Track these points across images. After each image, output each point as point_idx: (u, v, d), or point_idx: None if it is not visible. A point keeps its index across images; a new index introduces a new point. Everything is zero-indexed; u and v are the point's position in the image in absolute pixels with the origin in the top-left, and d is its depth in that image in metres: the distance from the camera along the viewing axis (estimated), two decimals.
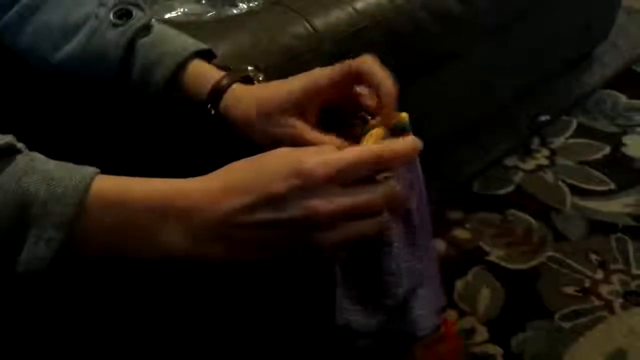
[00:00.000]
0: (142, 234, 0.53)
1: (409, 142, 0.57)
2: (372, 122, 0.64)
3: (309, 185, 0.52)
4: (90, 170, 0.53)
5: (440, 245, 1.35)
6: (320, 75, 0.65)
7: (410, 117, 0.63)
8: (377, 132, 0.62)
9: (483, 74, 1.49)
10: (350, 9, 1.10)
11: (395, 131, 0.62)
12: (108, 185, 0.53)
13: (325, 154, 0.54)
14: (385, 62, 0.63)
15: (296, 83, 0.65)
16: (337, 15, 1.09)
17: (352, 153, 0.54)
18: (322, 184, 0.52)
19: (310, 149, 0.55)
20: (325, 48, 1.05)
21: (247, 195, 0.52)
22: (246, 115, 0.67)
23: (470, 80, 1.46)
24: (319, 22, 1.06)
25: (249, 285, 0.69)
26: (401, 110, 0.63)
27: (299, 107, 0.65)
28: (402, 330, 0.63)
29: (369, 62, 0.63)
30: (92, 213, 0.52)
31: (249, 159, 0.56)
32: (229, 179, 0.54)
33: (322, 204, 0.52)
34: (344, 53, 1.07)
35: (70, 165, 0.54)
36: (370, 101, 0.66)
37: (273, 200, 0.52)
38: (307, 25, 1.05)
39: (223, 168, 0.56)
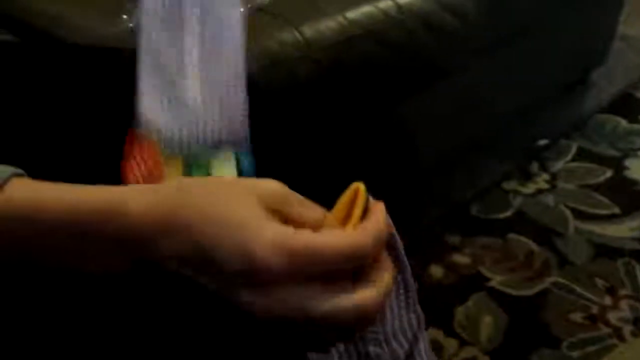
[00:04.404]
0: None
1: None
2: None
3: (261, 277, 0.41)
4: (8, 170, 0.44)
5: (438, 271, 1.27)
6: None
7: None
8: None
9: (478, 93, 1.44)
10: (340, 18, 1.05)
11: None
12: (22, 191, 0.44)
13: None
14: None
15: None
16: (326, 24, 1.03)
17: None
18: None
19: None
20: (314, 56, 0.99)
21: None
22: None
23: (465, 100, 1.40)
24: (308, 29, 1.00)
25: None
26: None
27: None
28: None
29: None
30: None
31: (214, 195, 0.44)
32: (177, 212, 0.43)
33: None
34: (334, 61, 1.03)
35: None
36: None
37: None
38: (295, 32, 0.99)
39: (175, 187, 0.45)
